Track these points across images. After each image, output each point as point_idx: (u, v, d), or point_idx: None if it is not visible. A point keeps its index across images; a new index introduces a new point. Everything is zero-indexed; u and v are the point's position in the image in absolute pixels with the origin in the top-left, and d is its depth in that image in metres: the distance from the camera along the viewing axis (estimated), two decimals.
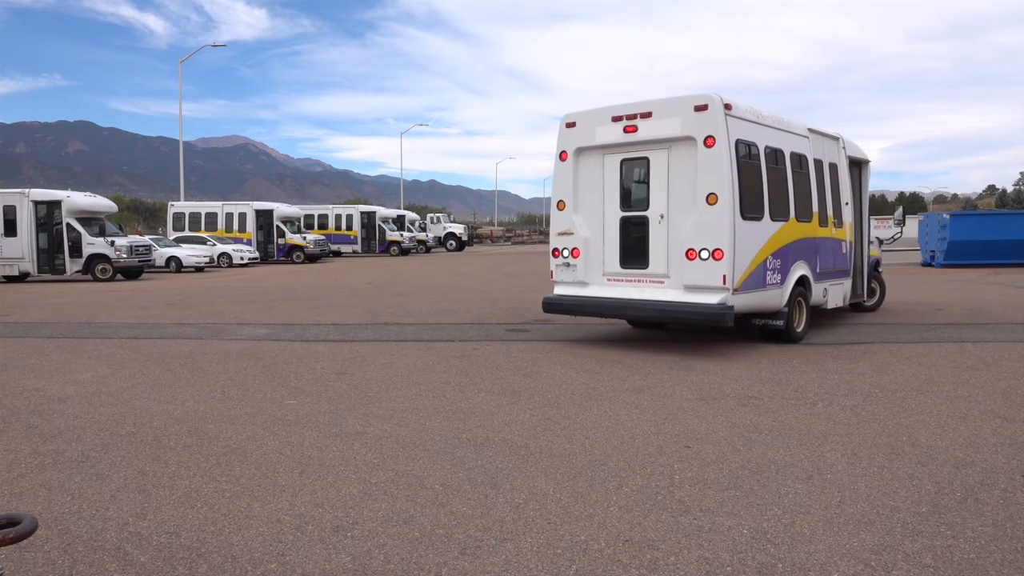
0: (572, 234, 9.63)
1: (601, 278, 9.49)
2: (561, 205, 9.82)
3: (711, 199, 8.34)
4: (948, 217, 24.96)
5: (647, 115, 8.96)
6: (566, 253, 9.69)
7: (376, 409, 6.34)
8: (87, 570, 3.39)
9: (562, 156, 9.76)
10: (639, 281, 9.14)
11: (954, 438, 5.20)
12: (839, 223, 10.94)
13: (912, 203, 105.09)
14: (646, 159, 9.08)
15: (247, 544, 3.64)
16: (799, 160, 9.90)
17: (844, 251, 11.17)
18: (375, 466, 4.79)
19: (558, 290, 9.81)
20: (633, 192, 9.32)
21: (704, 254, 8.40)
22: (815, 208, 10.17)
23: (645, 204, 9.11)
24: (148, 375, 8.04)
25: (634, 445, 5.15)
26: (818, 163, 10.42)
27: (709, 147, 8.34)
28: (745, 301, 8.60)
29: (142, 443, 5.40)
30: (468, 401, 6.58)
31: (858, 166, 12.08)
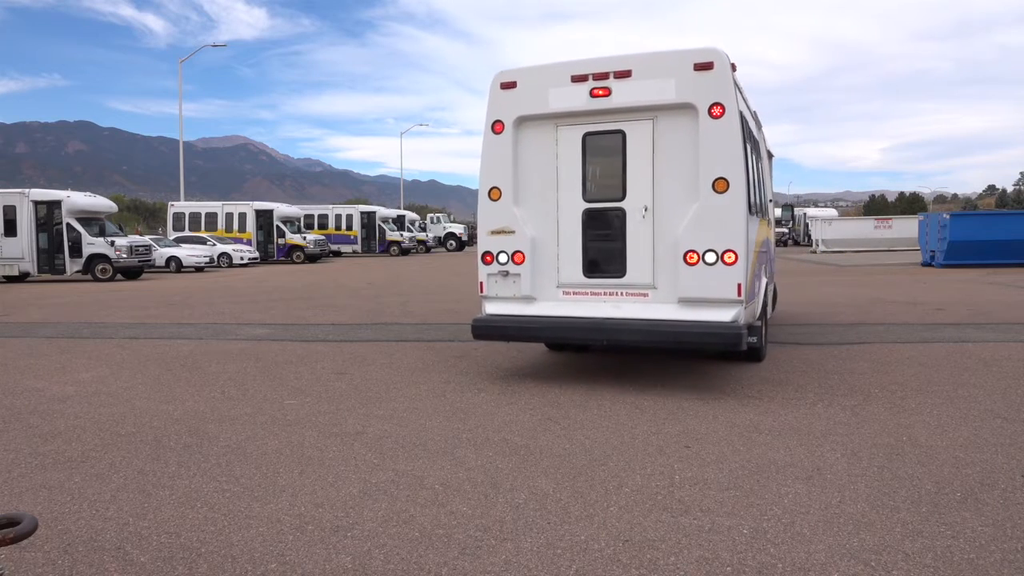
0: (512, 232, 7.33)
1: (555, 291, 7.26)
2: (495, 194, 7.40)
3: (719, 185, 6.54)
4: (948, 217, 24.95)
5: (625, 74, 6.86)
6: (504, 258, 7.36)
7: (376, 409, 6.34)
8: (87, 570, 3.39)
9: (495, 127, 7.35)
10: (612, 294, 7.07)
11: (954, 438, 5.20)
12: (769, 221, 9.92)
13: (912, 203, 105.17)
14: (621, 133, 7.00)
15: (247, 544, 3.64)
16: (757, 145, 8.60)
17: (773, 252, 10.45)
18: (375, 466, 4.79)
19: (492, 308, 7.43)
20: (602, 177, 7.26)
21: (710, 257, 6.58)
22: (766, 203, 9.21)
23: (620, 192, 7.04)
24: (148, 375, 8.04)
25: (634, 445, 5.15)
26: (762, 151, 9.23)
27: (716, 118, 6.56)
28: (748, 317, 6.93)
29: (142, 443, 5.40)
30: (468, 401, 6.58)
31: (768, 159, 11.10)
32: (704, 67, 6.63)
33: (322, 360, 8.79)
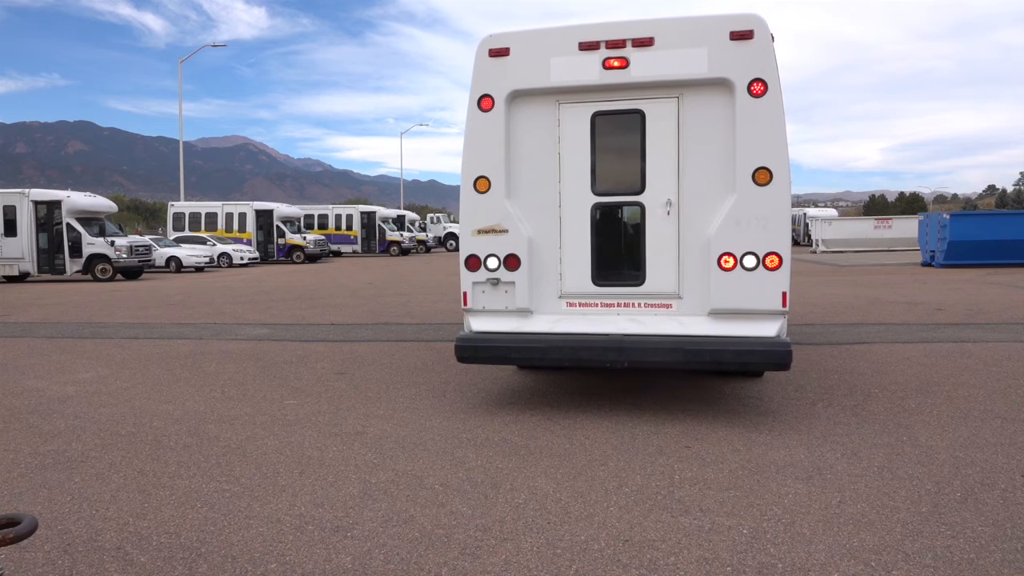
0: (505, 232, 6.18)
1: (557, 302, 6.21)
2: (482, 185, 6.20)
3: (760, 176, 5.69)
4: (948, 217, 24.95)
5: (646, 42, 5.84)
6: (494, 263, 6.19)
7: (376, 409, 6.34)
8: (87, 570, 3.39)
9: (483, 103, 6.16)
10: (628, 305, 6.08)
11: (954, 438, 5.20)
12: None
13: (912, 203, 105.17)
14: (639, 113, 6.01)
15: (247, 544, 3.64)
16: None
17: None
18: (375, 466, 4.80)
19: (480, 324, 6.26)
20: (616, 165, 6.22)
21: (749, 261, 5.73)
22: None
23: (638, 184, 6.05)
24: (148, 375, 8.04)
25: (634, 445, 5.15)
26: None
27: (756, 97, 5.67)
28: None
29: (142, 443, 5.41)
30: (468, 401, 6.58)
31: None
32: (742, 36, 5.67)
33: (322, 360, 8.79)
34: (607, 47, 5.93)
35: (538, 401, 6.53)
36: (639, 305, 6.08)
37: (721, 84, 5.76)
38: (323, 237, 41.76)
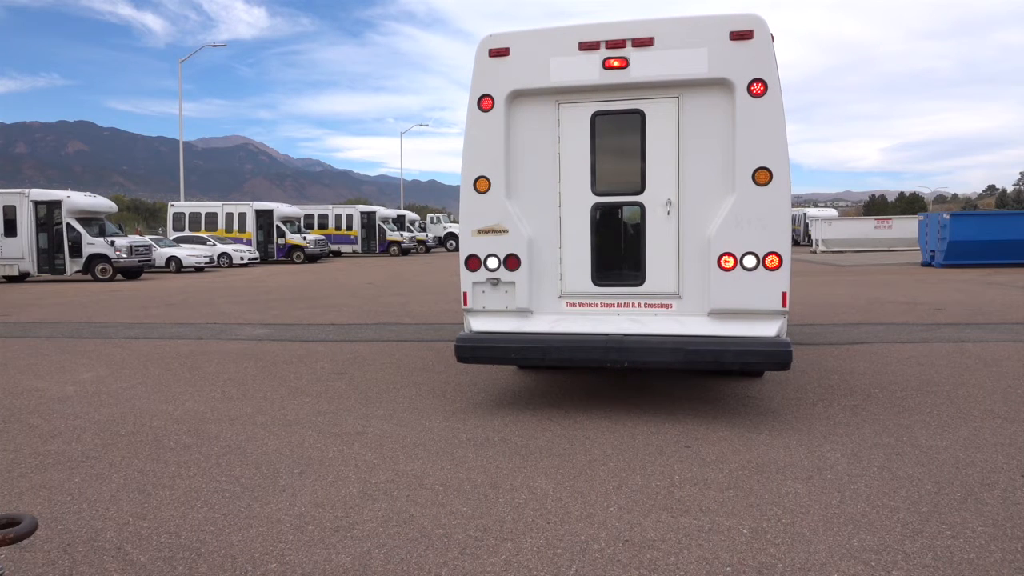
0: (505, 232, 6.20)
1: (556, 303, 6.23)
2: (482, 185, 6.22)
3: (760, 176, 5.72)
4: (948, 217, 24.95)
5: (645, 42, 5.86)
6: (494, 263, 6.21)
7: (376, 409, 6.34)
8: (87, 570, 3.39)
9: (483, 103, 6.18)
10: (627, 305, 6.10)
11: (954, 438, 5.20)
12: None
13: (912, 203, 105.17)
14: (639, 113, 6.03)
15: (247, 544, 3.64)
16: None
17: None
18: (375, 466, 4.80)
19: (480, 324, 6.28)
20: (616, 165, 6.22)
21: (749, 261, 5.75)
22: None
23: (638, 184, 6.07)
24: (148, 375, 8.04)
25: (634, 445, 5.15)
26: None
27: (756, 97, 5.71)
28: None
29: (142, 443, 5.41)
30: (468, 401, 6.58)
31: None
32: (742, 36, 5.70)
33: (322, 360, 8.79)
34: (607, 47, 5.95)
35: (538, 401, 6.53)
36: (639, 305, 6.09)
37: (721, 84, 5.77)
38: (323, 237, 41.76)
